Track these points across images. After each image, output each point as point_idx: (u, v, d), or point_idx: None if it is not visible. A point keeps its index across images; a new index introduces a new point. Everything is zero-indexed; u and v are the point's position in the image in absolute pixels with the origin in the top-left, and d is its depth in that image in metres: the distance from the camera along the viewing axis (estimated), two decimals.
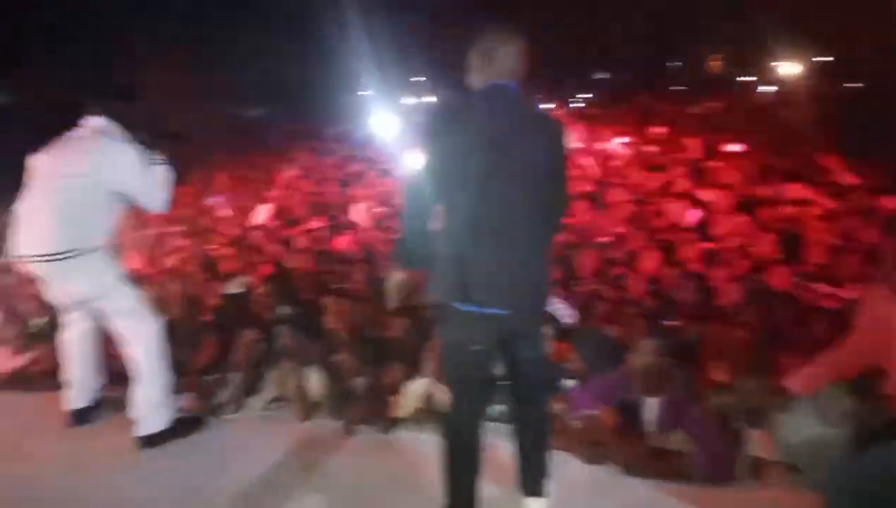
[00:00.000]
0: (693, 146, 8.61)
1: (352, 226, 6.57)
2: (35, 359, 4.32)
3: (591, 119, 12.93)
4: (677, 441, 2.82)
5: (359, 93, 19.35)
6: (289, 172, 9.66)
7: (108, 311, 3.38)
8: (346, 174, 9.74)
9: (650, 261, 4.44)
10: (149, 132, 3.42)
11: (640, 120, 12.85)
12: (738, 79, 21.39)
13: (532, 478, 2.50)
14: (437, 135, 2.27)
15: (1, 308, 4.84)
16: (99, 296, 3.33)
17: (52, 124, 3.46)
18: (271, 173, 10.27)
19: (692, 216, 5.93)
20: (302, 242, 5.95)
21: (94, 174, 3.23)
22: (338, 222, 6.80)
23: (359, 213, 7.01)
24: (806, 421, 2.09)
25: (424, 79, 24.40)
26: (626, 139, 9.52)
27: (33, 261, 3.25)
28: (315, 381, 3.60)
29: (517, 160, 2.16)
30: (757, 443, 2.65)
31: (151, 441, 3.37)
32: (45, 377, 4.18)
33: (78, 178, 3.22)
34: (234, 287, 4.76)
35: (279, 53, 18.76)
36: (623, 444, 2.90)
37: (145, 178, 3.30)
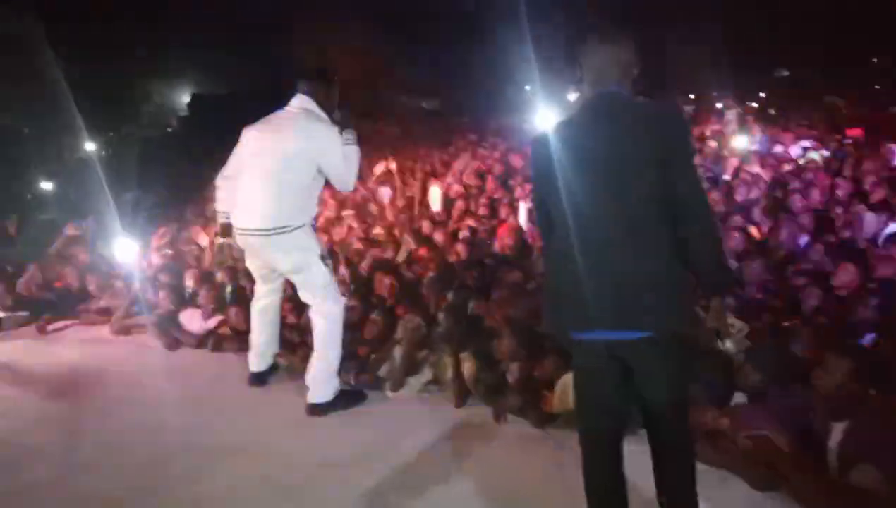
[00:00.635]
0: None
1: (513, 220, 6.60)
2: (223, 321, 4.81)
3: (770, 120, 11.97)
4: (865, 475, 2.52)
5: (525, 87, 19.34)
6: (459, 164, 9.86)
7: (302, 285, 3.69)
8: (509, 169, 9.80)
9: (845, 275, 4.00)
10: (342, 114, 3.66)
11: (829, 121, 11.69)
12: None
13: None
14: (537, 158, 2.17)
15: (194, 275, 5.46)
16: (299, 270, 3.63)
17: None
18: (439, 164, 10.59)
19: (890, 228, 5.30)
20: (466, 233, 6.08)
21: (306, 152, 3.51)
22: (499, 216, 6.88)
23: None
24: None
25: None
26: (809, 143, 8.67)
27: (250, 234, 3.60)
28: (469, 368, 3.68)
29: (615, 173, 2.00)
30: None
31: (318, 409, 3.65)
32: (231, 339, 4.66)
33: (293, 158, 3.52)
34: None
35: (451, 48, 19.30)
36: (801, 473, 2.64)
37: (342, 158, 3.54)
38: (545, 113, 13.81)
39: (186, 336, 4.82)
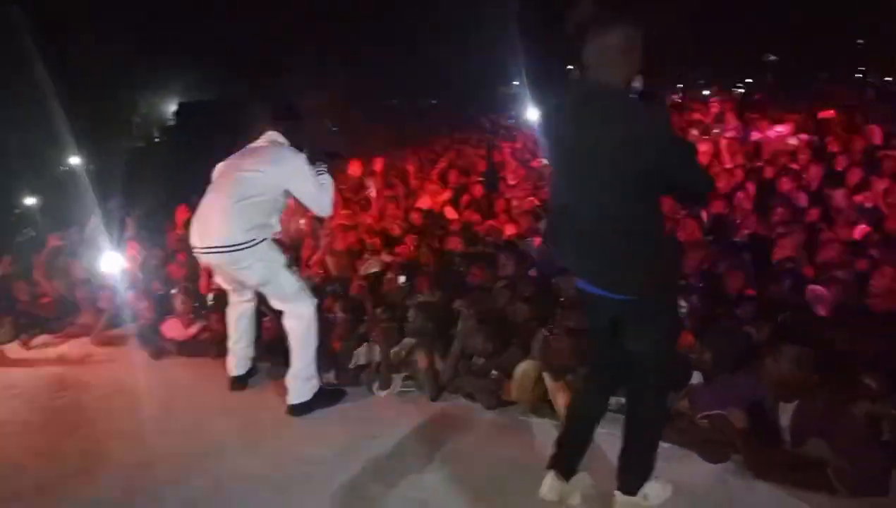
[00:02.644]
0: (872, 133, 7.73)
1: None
2: (203, 329, 4.89)
3: (753, 106, 12.04)
4: (816, 450, 2.62)
5: (514, 83, 19.41)
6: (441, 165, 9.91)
7: (273, 295, 3.80)
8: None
9: (785, 249, 4.12)
10: (311, 149, 3.81)
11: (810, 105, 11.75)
12: None
13: (624, 473, 2.47)
14: (543, 128, 2.52)
15: (179, 285, 5.53)
16: (266, 282, 3.74)
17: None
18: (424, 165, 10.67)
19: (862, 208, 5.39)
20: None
21: (268, 173, 3.65)
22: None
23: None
24: None
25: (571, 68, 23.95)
26: (786, 128, 8.74)
27: (207, 253, 3.70)
28: (440, 363, 3.80)
29: (598, 153, 2.18)
30: None
31: (298, 409, 3.75)
32: (211, 345, 4.74)
33: (252, 173, 3.65)
34: (372, 267, 5.08)
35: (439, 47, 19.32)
36: (755, 448, 2.74)
37: (312, 185, 3.68)
38: (533, 109, 13.97)
39: (169, 344, 4.90)
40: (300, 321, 3.75)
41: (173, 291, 5.43)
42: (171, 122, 23.05)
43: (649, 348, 2.35)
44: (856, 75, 16.91)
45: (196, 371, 4.60)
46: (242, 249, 3.57)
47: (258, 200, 3.62)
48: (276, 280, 3.71)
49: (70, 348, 5.38)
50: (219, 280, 4.10)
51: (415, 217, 6.69)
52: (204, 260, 3.82)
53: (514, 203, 7.08)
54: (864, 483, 2.52)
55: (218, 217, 3.63)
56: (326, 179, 3.76)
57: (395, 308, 4.30)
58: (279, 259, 3.73)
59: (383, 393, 3.92)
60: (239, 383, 4.16)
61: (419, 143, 14.04)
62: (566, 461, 2.55)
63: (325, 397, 3.84)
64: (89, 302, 5.62)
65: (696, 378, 3.11)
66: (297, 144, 3.79)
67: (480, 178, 8.92)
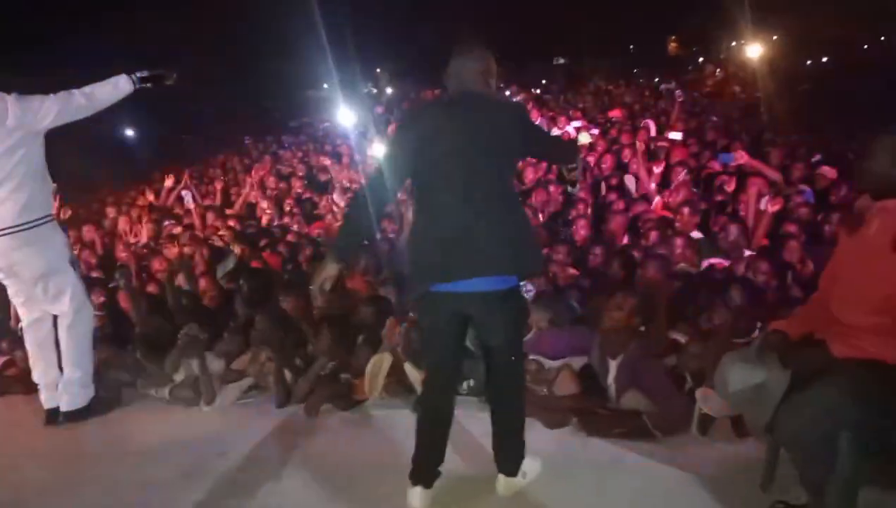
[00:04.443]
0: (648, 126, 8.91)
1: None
2: (9, 362, 4.36)
3: (548, 104, 13.19)
4: (633, 399, 3.02)
5: (324, 86, 19.28)
6: (258, 169, 9.62)
7: (53, 292, 3.60)
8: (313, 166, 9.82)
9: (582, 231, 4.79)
10: None
11: (598, 103, 13.16)
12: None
13: (504, 457, 2.63)
14: (413, 123, 2.57)
15: None
16: (50, 274, 3.55)
17: None
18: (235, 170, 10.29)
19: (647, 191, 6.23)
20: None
21: (22, 130, 3.40)
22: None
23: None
24: (747, 370, 2.26)
25: (379, 70, 24.52)
26: (580, 123, 9.75)
27: None
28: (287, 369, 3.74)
29: (482, 143, 2.37)
30: (705, 401, 2.83)
31: (74, 415, 3.69)
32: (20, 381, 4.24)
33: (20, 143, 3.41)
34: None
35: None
36: (582, 407, 3.08)
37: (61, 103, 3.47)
38: (345, 111, 14.02)
39: None
40: (77, 325, 3.68)
41: None
42: None
43: (512, 336, 2.53)
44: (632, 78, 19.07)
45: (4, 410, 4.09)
46: (30, 228, 3.44)
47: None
48: (63, 273, 3.60)
49: None
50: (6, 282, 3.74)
51: (233, 225, 6.50)
52: None
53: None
54: (671, 424, 2.94)
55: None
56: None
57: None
58: (66, 250, 3.64)
59: (207, 408, 3.78)
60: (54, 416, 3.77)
61: (232, 149, 13.53)
62: (427, 471, 2.57)
63: (102, 404, 3.80)
64: None
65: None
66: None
67: (304, 181, 8.87)
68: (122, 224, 7.56)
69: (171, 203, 8.35)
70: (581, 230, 5.25)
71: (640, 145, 6.89)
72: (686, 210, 4.96)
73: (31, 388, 3.92)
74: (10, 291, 3.74)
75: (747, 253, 4.24)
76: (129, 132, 17.13)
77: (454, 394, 2.70)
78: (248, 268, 4.98)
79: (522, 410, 2.63)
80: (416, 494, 2.54)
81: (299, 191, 8.66)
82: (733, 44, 21.65)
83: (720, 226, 4.68)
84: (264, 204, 7.64)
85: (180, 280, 4.93)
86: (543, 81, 20.63)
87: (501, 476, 2.63)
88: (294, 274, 4.89)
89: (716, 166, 6.74)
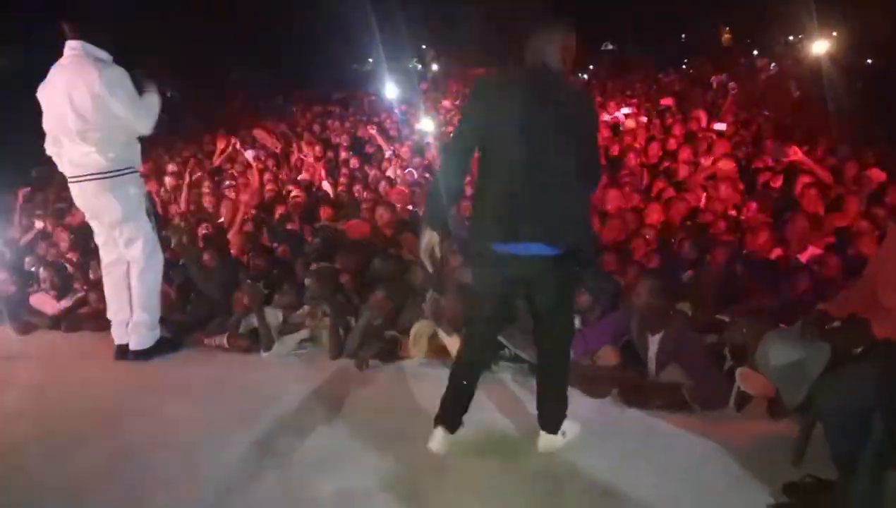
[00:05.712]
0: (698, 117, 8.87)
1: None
2: (80, 300, 4.66)
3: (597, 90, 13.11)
4: (672, 373, 3.14)
5: (368, 60, 19.37)
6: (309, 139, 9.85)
7: (127, 238, 3.89)
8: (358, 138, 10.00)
9: (654, 214, 4.78)
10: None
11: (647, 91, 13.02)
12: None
13: (547, 415, 2.79)
14: (487, 93, 2.61)
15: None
16: (127, 220, 3.84)
17: None
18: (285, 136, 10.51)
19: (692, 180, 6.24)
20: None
21: (100, 100, 3.62)
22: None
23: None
24: (788, 346, 2.36)
25: (425, 46, 24.51)
26: (629, 109, 9.74)
27: (82, 180, 3.75)
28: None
29: (553, 122, 2.47)
30: (743, 379, 2.95)
31: (140, 355, 3.99)
32: (90, 318, 4.54)
33: (94, 112, 3.65)
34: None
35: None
36: (623, 378, 3.21)
37: (132, 99, 3.70)
38: (391, 86, 14.15)
39: (40, 318, 4.61)
40: (154, 272, 3.96)
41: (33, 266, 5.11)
42: None
43: (564, 300, 2.69)
44: (682, 66, 18.79)
45: (74, 345, 4.40)
46: (115, 176, 3.74)
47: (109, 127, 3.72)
48: (132, 220, 3.85)
49: None
50: (91, 223, 4.06)
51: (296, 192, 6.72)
52: (78, 190, 3.85)
53: (394, 173, 7.31)
54: (709, 398, 3.06)
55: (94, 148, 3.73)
56: (154, 98, 3.84)
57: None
58: (143, 201, 3.90)
59: (265, 355, 4.02)
60: (123, 352, 4.07)
61: (279, 117, 13.76)
62: (451, 415, 2.72)
63: (166, 346, 4.08)
64: None
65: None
66: (103, 45, 3.74)
67: (349, 152, 9.04)
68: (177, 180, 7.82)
69: (224, 164, 8.62)
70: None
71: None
72: (754, 204, 5.03)
73: (102, 326, 4.24)
74: (94, 233, 4.04)
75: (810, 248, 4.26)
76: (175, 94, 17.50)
77: (490, 354, 2.86)
78: (323, 228, 5.23)
79: (567, 372, 2.78)
80: (437, 435, 2.70)
81: (349, 159, 8.84)
82: (790, 38, 21.13)
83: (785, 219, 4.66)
84: (321, 171, 7.82)
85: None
86: (591, 67, 20.45)
87: (543, 433, 2.79)
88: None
89: (767, 161, 6.72)
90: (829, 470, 2.29)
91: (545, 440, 2.79)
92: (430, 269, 2.68)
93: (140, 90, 3.74)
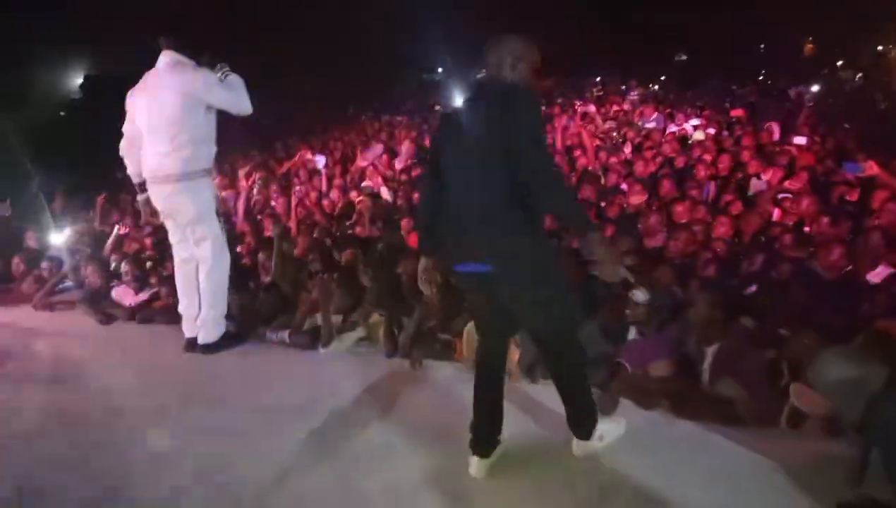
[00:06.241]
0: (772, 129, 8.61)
1: None
2: (155, 294, 4.96)
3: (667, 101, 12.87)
4: (728, 387, 3.08)
5: (438, 70, 19.58)
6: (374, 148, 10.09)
7: (198, 237, 4.11)
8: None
9: (722, 228, 4.72)
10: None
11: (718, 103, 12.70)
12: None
13: (573, 422, 2.73)
14: (443, 123, 2.71)
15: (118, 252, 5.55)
16: (200, 220, 4.06)
17: None
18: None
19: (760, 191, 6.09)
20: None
21: (189, 97, 3.89)
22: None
23: None
24: (845, 363, 2.30)
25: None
26: (698, 121, 9.53)
27: (160, 182, 4.00)
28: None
29: (474, 142, 2.44)
30: (798, 395, 2.86)
31: (207, 348, 4.20)
32: (162, 312, 4.82)
33: (181, 108, 3.91)
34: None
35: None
36: (674, 389, 3.18)
37: (224, 87, 3.96)
38: (460, 96, 14.31)
39: (119, 310, 4.92)
40: (222, 271, 4.15)
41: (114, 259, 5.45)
42: (76, 96, 21.73)
43: (540, 309, 2.56)
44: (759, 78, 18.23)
45: (148, 335, 4.69)
46: (190, 179, 3.95)
47: (193, 125, 3.97)
48: (204, 219, 4.07)
49: (12, 315, 5.29)
50: (166, 224, 4.30)
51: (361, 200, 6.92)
52: (156, 191, 4.09)
53: None
54: (763, 413, 2.99)
55: (164, 150, 3.97)
56: (235, 78, 4.01)
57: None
58: (213, 201, 4.10)
59: (323, 350, 4.18)
60: (192, 345, 4.30)
61: (346, 124, 14.13)
62: (485, 437, 2.70)
63: (231, 340, 4.27)
64: (28, 273, 5.53)
65: (632, 334, 3.52)
66: (193, 55, 4.03)
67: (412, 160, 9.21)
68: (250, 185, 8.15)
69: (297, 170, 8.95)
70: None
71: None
72: (825, 219, 4.87)
73: (172, 320, 4.51)
74: (169, 232, 4.30)
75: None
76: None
77: (502, 364, 2.79)
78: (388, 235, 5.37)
79: (576, 377, 2.67)
80: (474, 463, 2.69)
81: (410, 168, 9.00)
82: (879, 48, 20.19)
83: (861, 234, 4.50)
84: (379, 179, 8.02)
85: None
86: (662, 78, 20.08)
87: (575, 441, 2.75)
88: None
89: (844, 175, 6.46)
90: (885, 491, 2.21)
91: (577, 446, 2.75)
92: (427, 292, 2.73)
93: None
